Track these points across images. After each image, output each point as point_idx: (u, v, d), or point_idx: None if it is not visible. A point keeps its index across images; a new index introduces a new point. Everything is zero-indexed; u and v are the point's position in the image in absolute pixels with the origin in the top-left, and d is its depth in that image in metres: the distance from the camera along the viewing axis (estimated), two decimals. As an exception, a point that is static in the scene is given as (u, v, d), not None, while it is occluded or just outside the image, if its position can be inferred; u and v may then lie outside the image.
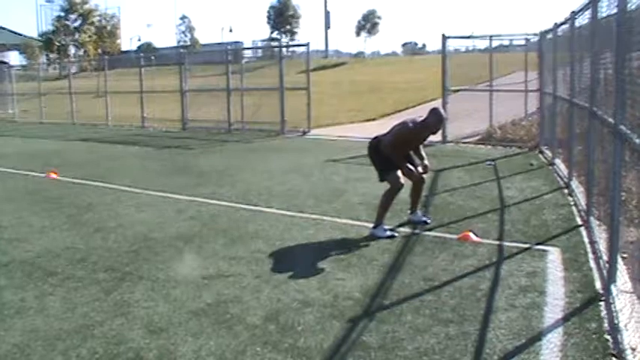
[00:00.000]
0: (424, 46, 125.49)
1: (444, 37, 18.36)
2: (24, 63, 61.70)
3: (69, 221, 9.94)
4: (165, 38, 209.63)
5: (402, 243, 8.06)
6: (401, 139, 8.82)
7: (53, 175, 14.07)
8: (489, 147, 17.12)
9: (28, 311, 6.24)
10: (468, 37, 22.03)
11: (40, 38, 61.19)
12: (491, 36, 19.41)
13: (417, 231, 8.62)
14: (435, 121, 8.83)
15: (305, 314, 5.82)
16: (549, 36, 15.25)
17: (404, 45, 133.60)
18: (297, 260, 7.45)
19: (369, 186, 11.44)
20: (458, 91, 19.08)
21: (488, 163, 14.30)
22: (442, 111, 9.09)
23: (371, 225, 8.61)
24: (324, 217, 9.42)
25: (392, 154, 8.77)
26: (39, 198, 11.87)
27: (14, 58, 72.96)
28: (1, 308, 6.35)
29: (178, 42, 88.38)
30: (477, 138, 18.16)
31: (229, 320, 5.74)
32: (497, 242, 8.02)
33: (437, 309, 5.87)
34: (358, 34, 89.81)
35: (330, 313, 5.84)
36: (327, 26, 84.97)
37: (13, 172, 15.04)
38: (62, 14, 54.27)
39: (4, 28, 58.82)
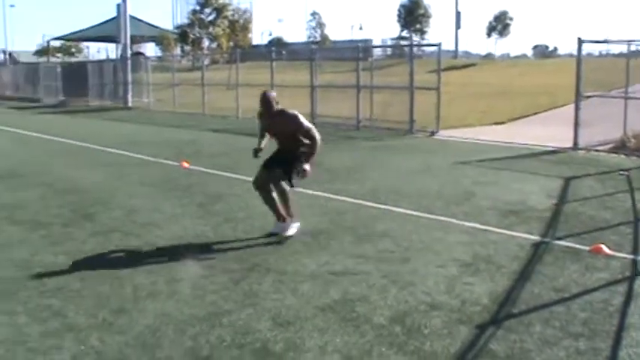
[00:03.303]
0: (555, 49, 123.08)
1: (580, 41, 17.87)
2: (159, 54, 63.62)
3: (199, 210, 10.22)
4: (295, 33, 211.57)
5: (531, 251, 7.90)
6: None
7: (185, 165, 14.46)
8: (623, 156, 16.58)
9: (160, 295, 6.46)
10: (605, 42, 21.38)
11: (175, 31, 62.88)
12: (629, 41, 18.80)
13: (546, 239, 8.43)
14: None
15: (432, 317, 5.79)
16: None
17: (534, 47, 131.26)
18: (424, 262, 7.40)
19: (498, 190, 11.33)
20: (590, 97, 18.55)
21: (620, 172, 13.85)
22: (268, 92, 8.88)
23: (500, 230, 8.53)
24: (453, 220, 9.32)
25: None
26: (171, 186, 12.23)
27: (150, 49, 75.52)
28: (134, 290, 6.58)
29: (308, 37, 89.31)
30: (609, 146, 17.61)
31: (356, 319, 5.77)
32: (631, 256, 7.74)
33: (567, 321, 5.72)
34: (489, 35, 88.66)
35: (458, 318, 5.79)
36: (458, 26, 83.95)
37: (148, 160, 15.53)
38: (198, 8, 55.44)
39: (141, 21, 60.47)
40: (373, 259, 7.49)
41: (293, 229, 8.61)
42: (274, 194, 8.65)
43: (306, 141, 8.67)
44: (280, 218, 8.68)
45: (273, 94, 8.91)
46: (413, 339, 5.34)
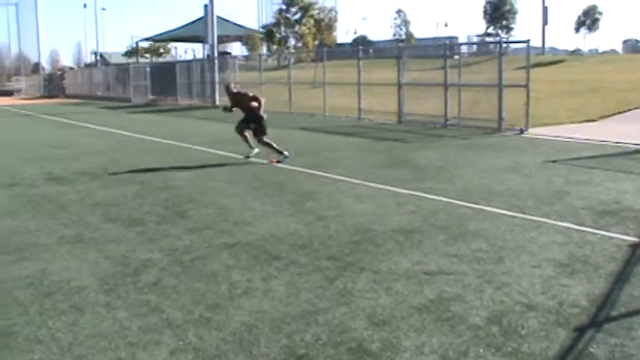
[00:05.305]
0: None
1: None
2: (245, 53, 64.32)
3: (291, 207, 10.28)
4: (380, 31, 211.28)
5: (628, 252, 7.69)
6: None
7: (275, 162, 14.65)
8: None
9: (255, 292, 6.51)
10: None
11: (261, 30, 63.42)
12: None
13: (644, 240, 8.21)
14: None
15: (529, 318, 5.69)
16: None
17: (624, 42, 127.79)
18: (519, 262, 7.28)
19: (592, 190, 11.09)
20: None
21: None
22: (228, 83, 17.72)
23: (596, 231, 8.44)
24: (546, 220, 9.14)
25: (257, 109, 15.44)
26: (261, 183, 12.35)
27: (236, 48, 76.50)
28: (229, 287, 6.66)
29: (394, 35, 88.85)
30: None
31: (452, 319, 5.72)
32: None
33: (670, 326, 5.55)
34: (577, 30, 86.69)
35: (555, 319, 5.68)
36: (545, 22, 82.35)
37: (237, 158, 15.72)
38: (284, 7, 55.78)
39: (227, 21, 61.33)
40: (467, 259, 7.41)
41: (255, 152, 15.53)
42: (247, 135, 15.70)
43: (255, 104, 15.42)
44: (251, 148, 15.65)
45: (232, 83, 17.62)
46: (510, 340, 5.26)
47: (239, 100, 15.80)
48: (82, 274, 7.22)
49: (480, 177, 12.63)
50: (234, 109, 16.00)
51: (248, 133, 15.65)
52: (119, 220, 9.70)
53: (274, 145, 15.23)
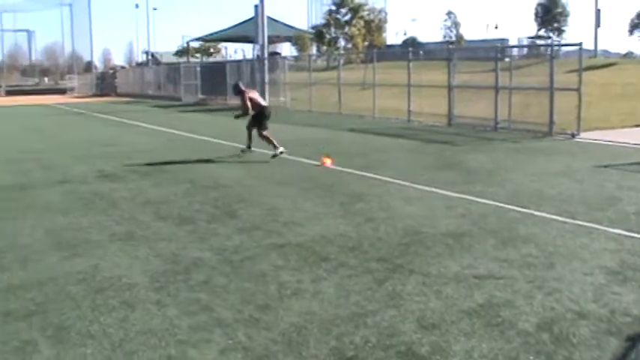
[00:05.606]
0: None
1: None
2: (294, 54, 64.56)
3: (341, 209, 10.30)
4: (430, 33, 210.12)
5: (683, 260, 7.58)
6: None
7: (327, 162, 14.65)
8: None
9: (304, 294, 6.54)
10: None
11: (311, 31, 63.57)
12: None
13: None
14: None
15: (580, 326, 5.62)
16: None
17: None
18: (570, 269, 7.20)
19: (645, 196, 10.92)
20: None
21: None
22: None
23: (649, 238, 8.29)
24: (597, 226, 9.01)
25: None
26: (311, 184, 12.39)
27: (286, 49, 76.82)
28: (279, 288, 6.70)
29: (444, 37, 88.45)
30: None
31: (501, 324, 5.68)
32: None
33: None
34: (631, 32, 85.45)
35: (607, 328, 5.60)
36: (597, 25, 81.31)
37: (286, 158, 15.74)
38: (333, 8, 55.81)
39: (277, 21, 61.64)
40: (517, 264, 7.35)
41: (279, 150, 15.84)
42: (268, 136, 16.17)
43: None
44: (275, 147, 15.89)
45: (240, 82, 17.43)
46: (561, 348, 5.21)
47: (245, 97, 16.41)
48: (133, 271, 7.33)
49: (531, 181, 12.50)
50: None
51: (267, 132, 16.30)
52: (170, 219, 9.82)
53: (269, 139, 16.19)
